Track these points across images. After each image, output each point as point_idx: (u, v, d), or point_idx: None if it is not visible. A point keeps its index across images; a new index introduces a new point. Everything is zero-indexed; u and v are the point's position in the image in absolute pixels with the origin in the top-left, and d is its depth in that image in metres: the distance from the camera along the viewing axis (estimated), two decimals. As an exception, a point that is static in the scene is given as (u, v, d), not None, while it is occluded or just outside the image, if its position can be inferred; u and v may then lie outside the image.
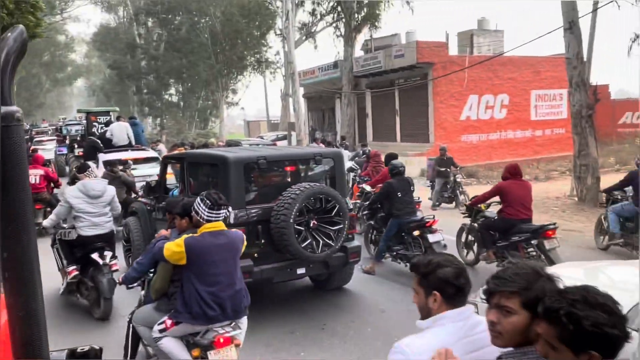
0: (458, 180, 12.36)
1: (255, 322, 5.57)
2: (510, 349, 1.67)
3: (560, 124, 22.31)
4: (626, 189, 7.95)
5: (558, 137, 22.22)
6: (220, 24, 30.87)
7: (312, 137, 24.06)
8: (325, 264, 5.82)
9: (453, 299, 1.92)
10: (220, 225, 3.79)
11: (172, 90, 38.09)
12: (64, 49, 47.88)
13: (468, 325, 1.88)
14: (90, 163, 6.50)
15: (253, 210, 5.42)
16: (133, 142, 14.03)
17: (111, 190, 6.16)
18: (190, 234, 3.74)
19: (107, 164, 11.75)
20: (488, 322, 1.72)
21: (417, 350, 1.80)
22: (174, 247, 3.65)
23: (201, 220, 3.74)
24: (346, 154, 13.98)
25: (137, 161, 12.07)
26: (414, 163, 19.66)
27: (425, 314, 1.98)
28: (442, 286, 1.92)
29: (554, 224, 6.51)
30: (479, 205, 7.27)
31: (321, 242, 5.43)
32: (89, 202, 5.83)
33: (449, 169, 12.20)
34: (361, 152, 14.84)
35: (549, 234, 6.29)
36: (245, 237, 4.10)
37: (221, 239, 3.76)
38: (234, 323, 3.84)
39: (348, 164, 13.25)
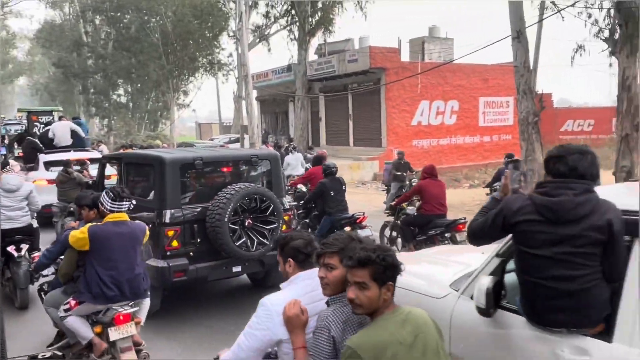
0: (414, 184, 12.51)
1: (206, 327, 5.53)
2: (335, 296, 2.28)
3: (507, 130, 23.05)
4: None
5: (505, 143, 22.94)
6: (171, 24, 30.18)
7: (264, 140, 23.89)
8: (261, 262, 5.98)
9: (303, 263, 2.51)
10: (123, 216, 4.24)
11: (121, 91, 36.87)
12: (4, 45, 45.62)
13: (314, 283, 2.40)
14: (12, 161, 6.71)
15: (189, 210, 5.58)
16: (84, 136, 13.51)
17: (28, 186, 6.49)
18: (95, 223, 4.19)
19: (50, 164, 11.28)
20: (319, 278, 2.32)
21: (276, 302, 2.38)
22: (78, 234, 4.08)
23: (105, 210, 4.20)
24: (299, 156, 14.12)
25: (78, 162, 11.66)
26: (367, 167, 19.84)
27: (285, 277, 2.57)
28: (295, 254, 2.52)
29: (464, 218, 7.16)
30: (402, 204, 7.99)
31: (256, 240, 5.63)
32: (4, 196, 6.10)
33: (405, 173, 12.37)
34: (308, 155, 15.05)
35: (460, 228, 6.98)
36: (147, 228, 4.48)
37: (123, 228, 4.20)
38: (132, 303, 4.22)
39: (305, 165, 13.44)
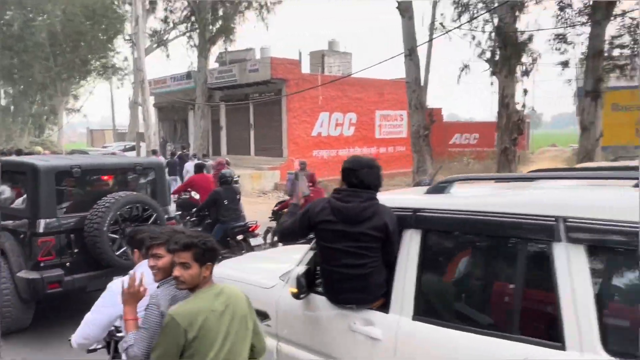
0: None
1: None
2: (164, 279, 2.67)
3: (402, 142, 24.18)
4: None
5: (399, 155, 24.05)
6: (60, 24, 28.36)
7: (162, 148, 23.12)
8: None
9: (146, 253, 2.87)
10: None
11: (1, 92, 33.98)
12: None
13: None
14: None
15: (66, 219, 5.43)
16: None
17: None
18: None
19: None
20: (150, 267, 2.73)
21: (118, 283, 2.81)
22: None
23: None
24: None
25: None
26: (268, 177, 19.86)
27: (133, 265, 3.04)
28: (139, 245, 3.01)
29: None
30: (284, 210, 8.40)
31: None
32: None
33: (307, 183, 12.56)
34: (205, 162, 15.19)
35: None
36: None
37: None
38: None
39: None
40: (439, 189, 2.92)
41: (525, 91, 13.62)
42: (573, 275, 2.18)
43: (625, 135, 22.48)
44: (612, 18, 14.28)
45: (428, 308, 2.74)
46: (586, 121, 13.85)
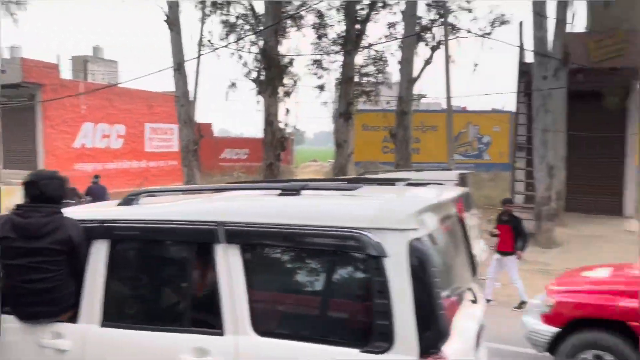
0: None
1: None
2: None
3: (173, 156, 23.88)
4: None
5: (170, 169, 23.70)
6: None
7: None
8: None
9: None
10: None
11: None
12: None
13: None
14: None
15: None
16: None
17: None
18: None
19: None
20: None
21: None
22: None
23: None
24: None
25: None
26: (20, 192, 17.69)
27: None
28: None
29: None
30: None
31: None
32: None
33: (73, 200, 11.58)
34: None
35: None
36: None
37: None
38: None
39: None
40: (128, 201, 3.12)
41: (288, 110, 14.82)
42: (231, 271, 2.62)
43: (373, 152, 25.99)
44: (360, 49, 16.48)
45: (115, 313, 2.94)
46: (340, 139, 15.70)
